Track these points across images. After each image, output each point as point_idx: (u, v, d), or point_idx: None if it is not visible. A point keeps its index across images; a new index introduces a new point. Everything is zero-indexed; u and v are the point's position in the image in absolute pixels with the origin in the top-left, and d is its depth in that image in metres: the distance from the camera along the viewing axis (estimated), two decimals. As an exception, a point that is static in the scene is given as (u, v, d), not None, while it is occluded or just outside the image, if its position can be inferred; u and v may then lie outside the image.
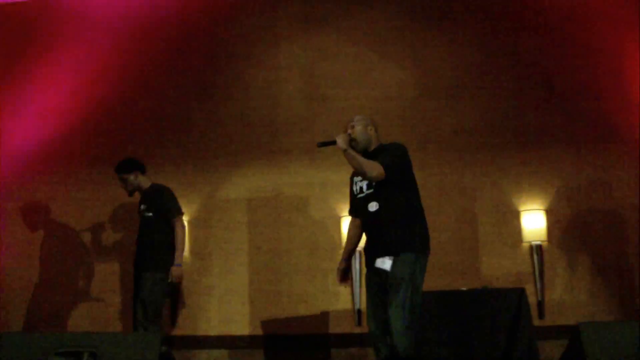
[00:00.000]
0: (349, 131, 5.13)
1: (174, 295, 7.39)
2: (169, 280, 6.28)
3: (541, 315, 7.01)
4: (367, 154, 5.10)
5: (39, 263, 7.72)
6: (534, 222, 7.18)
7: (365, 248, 5.13)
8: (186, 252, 7.48)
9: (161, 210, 6.47)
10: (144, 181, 6.65)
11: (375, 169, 4.86)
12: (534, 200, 7.31)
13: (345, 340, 7.11)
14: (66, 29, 8.20)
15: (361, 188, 5.12)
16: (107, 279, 7.63)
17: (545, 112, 7.51)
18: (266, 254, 7.50)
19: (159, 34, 8.13)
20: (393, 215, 4.95)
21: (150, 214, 6.48)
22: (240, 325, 7.36)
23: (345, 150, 4.92)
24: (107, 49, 8.12)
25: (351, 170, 5.15)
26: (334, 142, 5.00)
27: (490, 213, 7.38)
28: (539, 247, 7.12)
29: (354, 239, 5.36)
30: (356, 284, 7.12)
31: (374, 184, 5.00)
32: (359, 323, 7.04)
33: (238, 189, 7.70)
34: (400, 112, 7.67)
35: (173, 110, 7.96)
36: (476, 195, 7.44)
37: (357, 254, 6.92)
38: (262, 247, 7.52)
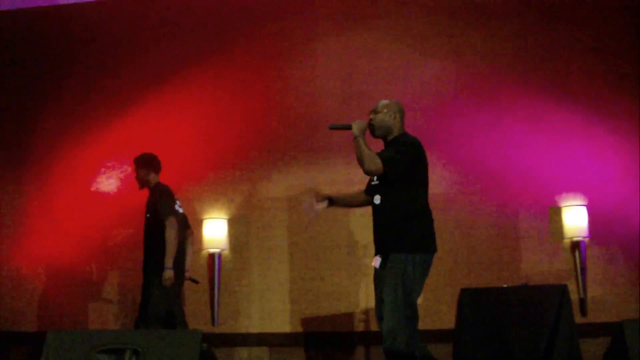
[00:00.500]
0: (371, 116, 5.04)
1: (214, 293, 7.45)
2: (163, 284, 6.21)
3: (583, 312, 6.96)
4: (385, 142, 5.05)
5: (76, 263, 7.86)
6: (575, 218, 7.11)
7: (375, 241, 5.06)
8: (226, 250, 7.55)
9: (154, 211, 6.40)
10: (152, 180, 6.60)
11: (373, 164, 4.77)
12: (576, 196, 7.24)
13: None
14: (109, 32, 8.32)
15: (374, 177, 5.03)
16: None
17: (586, 107, 7.42)
18: (306, 252, 7.51)
19: (195, 33, 8.20)
20: (391, 212, 4.87)
21: (148, 215, 6.45)
22: (281, 322, 7.39)
23: (355, 137, 4.84)
24: (145, 51, 8.23)
25: None
26: (348, 127, 4.93)
27: (530, 209, 7.32)
28: (580, 244, 7.05)
29: (353, 196, 5.39)
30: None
31: (379, 176, 4.92)
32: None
33: (277, 187, 7.73)
34: (439, 108, 7.63)
35: (213, 109, 8.01)
36: (517, 191, 7.38)
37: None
38: (302, 244, 7.53)
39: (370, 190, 5.10)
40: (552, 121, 7.44)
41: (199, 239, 7.56)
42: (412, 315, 4.74)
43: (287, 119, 7.85)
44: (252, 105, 7.95)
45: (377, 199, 4.93)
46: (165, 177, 7.74)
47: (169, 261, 6.20)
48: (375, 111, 5.04)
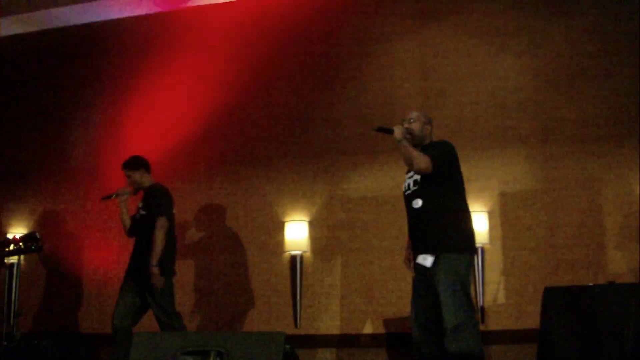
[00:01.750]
0: (406, 125, 5.28)
1: (296, 295, 7.51)
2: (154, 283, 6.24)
3: (673, 311, 6.76)
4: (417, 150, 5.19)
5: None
6: (662, 213, 6.91)
7: (412, 243, 5.25)
8: (308, 252, 7.60)
9: (152, 208, 6.45)
10: (147, 180, 6.66)
11: (424, 161, 4.97)
12: (664, 189, 7.05)
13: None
14: (185, 39, 8.47)
15: (409, 185, 5.24)
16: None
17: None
18: (387, 252, 7.47)
19: (273, 38, 8.29)
20: (435, 213, 5.05)
21: (145, 213, 6.49)
22: (363, 323, 7.38)
23: (399, 141, 5.10)
24: (224, 56, 8.36)
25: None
26: (391, 131, 5.16)
27: (615, 205, 7.12)
28: (668, 240, 6.86)
29: None
30: (479, 281, 7.05)
31: (419, 181, 5.11)
32: (483, 321, 6.95)
33: (358, 188, 7.73)
34: (519, 104, 7.53)
35: (291, 112, 8.08)
36: (601, 187, 7.20)
37: (479, 250, 6.99)
38: (383, 245, 7.50)
39: (408, 199, 5.24)
40: (635, 114, 7.21)
41: (280, 242, 7.67)
42: (472, 310, 4.97)
43: (365, 119, 7.83)
44: (330, 107, 7.99)
45: (417, 203, 5.12)
46: (247, 180, 7.89)
47: (155, 259, 6.23)
48: (409, 120, 5.31)
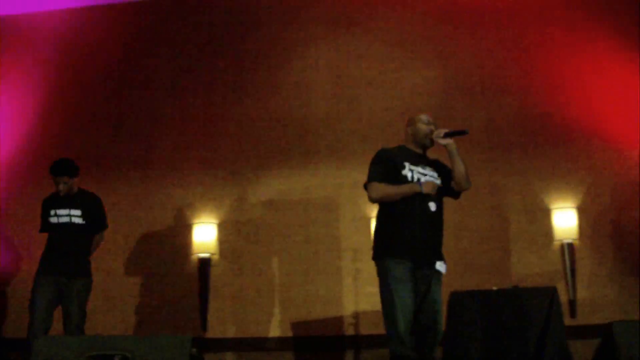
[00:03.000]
0: (433, 127, 5.10)
1: (204, 298, 7.43)
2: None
3: (573, 314, 6.95)
4: (425, 151, 5.19)
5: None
6: (565, 220, 7.12)
7: (414, 245, 4.81)
8: (216, 255, 7.57)
9: (98, 219, 6.38)
10: (76, 186, 6.37)
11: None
12: (565, 198, 7.25)
13: (376, 341, 7.10)
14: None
15: (419, 180, 4.94)
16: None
17: (577, 109, 7.43)
18: (296, 256, 7.49)
19: (187, 38, 8.23)
20: (441, 222, 5.00)
21: (84, 222, 6.25)
22: (270, 327, 7.36)
23: (456, 151, 5.01)
24: (136, 55, 8.25)
25: None
26: (464, 132, 5.02)
27: (520, 211, 7.33)
28: (570, 246, 7.06)
29: None
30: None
31: (438, 186, 4.98)
32: (389, 324, 7.01)
33: (268, 191, 7.72)
34: (429, 111, 7.59)
35: (202, 113, 8.00)
36: (506, 193, 7.39)
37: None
38: (292, 248, 7.52)
39: (423, 198, 4.90)
40: (542, 123, 7.45)
41: (188, 244, 7.61)
42: None
43: (278, 122, 7.85)
44: (242, 109, 7.94)
45: (432, 206, 4.89)
46: (156, 182, 7.78)
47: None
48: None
